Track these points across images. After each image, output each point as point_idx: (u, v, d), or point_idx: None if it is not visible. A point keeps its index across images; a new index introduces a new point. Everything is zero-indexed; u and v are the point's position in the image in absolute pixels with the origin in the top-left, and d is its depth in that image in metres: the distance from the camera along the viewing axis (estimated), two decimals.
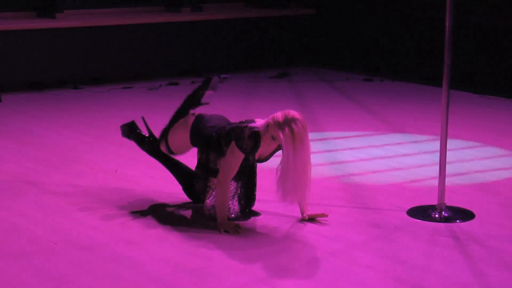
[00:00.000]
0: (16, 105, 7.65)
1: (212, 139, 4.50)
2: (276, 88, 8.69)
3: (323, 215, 4.55)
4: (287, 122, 4.22)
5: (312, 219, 4.53)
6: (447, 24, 4.55)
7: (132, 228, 4.42)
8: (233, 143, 4.34)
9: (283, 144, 4.22)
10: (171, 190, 4.99)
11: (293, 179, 4.25)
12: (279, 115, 4.26)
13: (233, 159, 4.36)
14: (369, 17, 9.66)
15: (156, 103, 7.73)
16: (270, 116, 4.30)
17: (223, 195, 4.39)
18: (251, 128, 4.32)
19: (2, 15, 8.64)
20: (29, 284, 3.70)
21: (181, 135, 4.68)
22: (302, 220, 4.54)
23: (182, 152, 4.77)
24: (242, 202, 4.60)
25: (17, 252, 4.07)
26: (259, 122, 4.38)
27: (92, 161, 5.70)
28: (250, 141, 4.32)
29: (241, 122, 4.45)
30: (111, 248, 4.12)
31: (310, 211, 4.57)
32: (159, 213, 4.66)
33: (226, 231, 4.34)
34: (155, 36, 9.06)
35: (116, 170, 5.43)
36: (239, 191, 4.58)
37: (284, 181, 4.27)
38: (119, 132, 5.04)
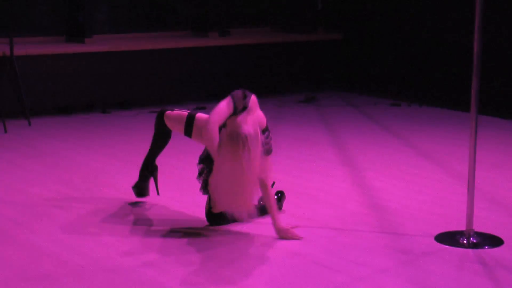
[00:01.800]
0: (44, 128, 7.71)
1: None
2: (303, 112, 8.69)
3: (295, 236, 4.57)
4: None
5: (284, 238, 4.57)
6: (475, 48, 4.54)
7: (160, 251, 4.42)
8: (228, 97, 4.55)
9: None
10: (198, 215, 5.00)
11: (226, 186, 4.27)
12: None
13: (224, 104, 4.51)
14: (396, 42, 9.65)
15: None
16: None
17: (212, 132, 4.41)
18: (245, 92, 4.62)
19: (32, 40, 8.74)
20: None
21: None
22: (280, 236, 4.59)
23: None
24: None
25: (44, 275, 4.08)
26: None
27: (119, 185, 5.72)
28: (242, 94, 4.59)
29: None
30: (139, 272, 4.12)
31: (282, 223, 4.62)
32: (187, 237, 4.66)
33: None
34: (183, 61, 9.11)
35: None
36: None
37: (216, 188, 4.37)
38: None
